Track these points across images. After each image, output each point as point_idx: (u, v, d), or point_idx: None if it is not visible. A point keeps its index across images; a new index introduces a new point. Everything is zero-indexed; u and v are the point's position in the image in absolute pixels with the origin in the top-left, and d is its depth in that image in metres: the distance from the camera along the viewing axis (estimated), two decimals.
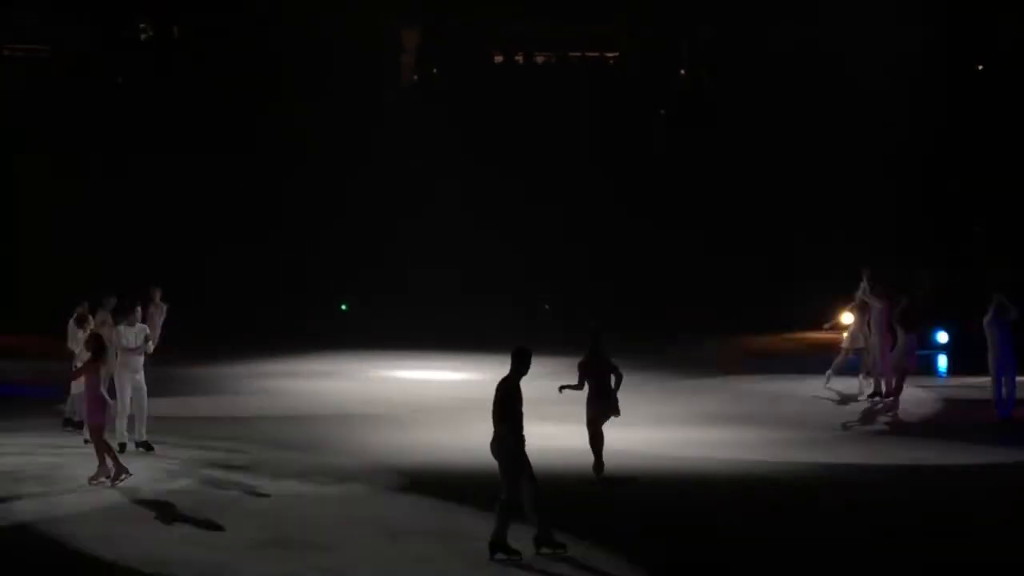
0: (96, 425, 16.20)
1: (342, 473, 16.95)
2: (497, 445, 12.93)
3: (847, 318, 24.03)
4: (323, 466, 17.40)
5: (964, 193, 35.54)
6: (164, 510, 14.90)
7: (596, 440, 16.59)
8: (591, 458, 16.59)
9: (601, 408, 16.51)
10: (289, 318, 33.10)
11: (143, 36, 41.21)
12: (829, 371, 23.88)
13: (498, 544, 12.79)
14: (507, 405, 12.83)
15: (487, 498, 15.35)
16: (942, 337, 29.99)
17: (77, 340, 18.73)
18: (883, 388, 23.04)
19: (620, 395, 16.57)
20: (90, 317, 19.23)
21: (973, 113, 36.10)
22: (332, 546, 13.51)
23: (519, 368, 13.00)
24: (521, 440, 12.86)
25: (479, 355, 28.56)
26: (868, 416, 22.03)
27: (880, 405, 22.52)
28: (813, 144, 35.50)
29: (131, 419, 18.08)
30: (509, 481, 12.82)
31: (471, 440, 19.07)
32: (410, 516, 14.81)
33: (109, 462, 16.03)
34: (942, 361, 29.05)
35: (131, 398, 18.02)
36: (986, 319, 21.14)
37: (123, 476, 16.00)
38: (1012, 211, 34.57)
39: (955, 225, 35.59)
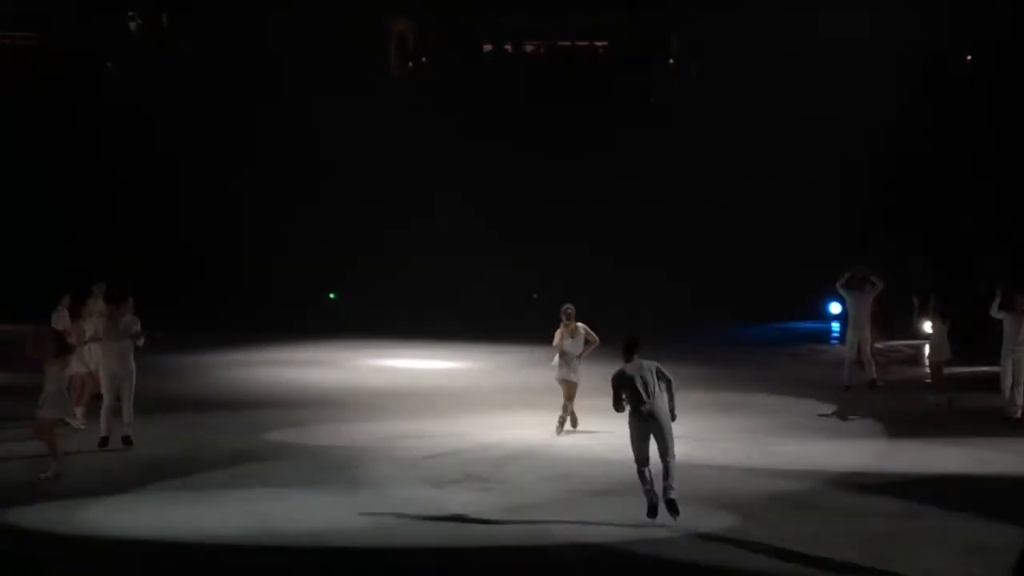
0: (48, 420, 16.02)
1: (329, 461, 16.99)
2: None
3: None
4: (313, 453, 17.48)
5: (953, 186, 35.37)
6: (159, 501, 14.97)
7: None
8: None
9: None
10: (277, 307, 33.07)
11: (132, 25, 41.06)
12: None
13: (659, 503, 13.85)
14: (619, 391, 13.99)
15: (472, 478, 15.65)
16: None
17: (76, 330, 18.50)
18: (875, 375, 23.03)
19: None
20: (88, 301, 19.14)
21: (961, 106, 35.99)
22: (322, 534, 13.56)
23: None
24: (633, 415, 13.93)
25: (470, 345, 28.75)
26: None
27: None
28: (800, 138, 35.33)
29: (118, 410, 17.79)
30: (632, 448, 13.90)
31: (459, 426, 19.30)
32: (401, 501, 14.84)
33: (58, 453, 15.94)
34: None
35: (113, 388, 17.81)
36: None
37: (56, 472, 15.82)
38: (1001, 202, 34.49)
39: (942, 217, 35.48)
